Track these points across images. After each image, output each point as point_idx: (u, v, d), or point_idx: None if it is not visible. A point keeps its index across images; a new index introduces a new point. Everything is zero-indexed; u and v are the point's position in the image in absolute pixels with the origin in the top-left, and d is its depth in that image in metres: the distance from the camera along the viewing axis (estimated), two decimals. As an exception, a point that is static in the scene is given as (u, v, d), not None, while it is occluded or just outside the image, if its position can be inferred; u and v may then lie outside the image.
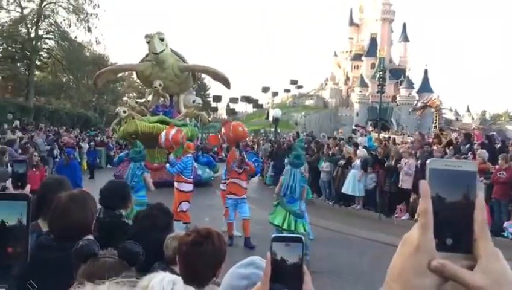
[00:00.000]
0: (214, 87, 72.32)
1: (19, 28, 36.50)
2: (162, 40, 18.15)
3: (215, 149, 23.08)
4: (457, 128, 22.48)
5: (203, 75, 30.76)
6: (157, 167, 16.09)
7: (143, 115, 18.77)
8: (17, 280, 1.99)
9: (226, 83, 20.01)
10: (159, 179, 13.95)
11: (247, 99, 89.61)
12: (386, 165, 13.14)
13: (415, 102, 29.20)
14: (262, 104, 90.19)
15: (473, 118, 65.90)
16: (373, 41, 72.39)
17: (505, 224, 10.34)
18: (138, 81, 29.31)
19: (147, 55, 19.40)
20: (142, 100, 23.64)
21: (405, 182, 12.25)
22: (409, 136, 25.78)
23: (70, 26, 37.09)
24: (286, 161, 11.34)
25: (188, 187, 9.68)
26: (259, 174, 18.10)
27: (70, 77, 40.63)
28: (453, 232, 0.64)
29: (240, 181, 9.64)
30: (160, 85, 18.82)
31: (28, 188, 2.42)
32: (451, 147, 13.56)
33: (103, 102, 52.83)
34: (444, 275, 0.62)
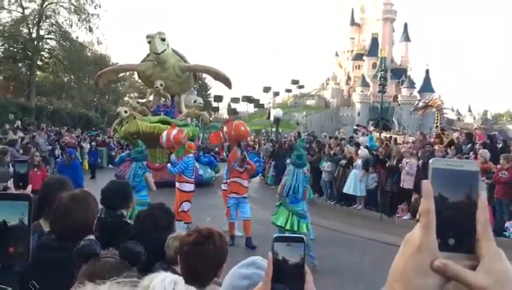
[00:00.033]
0: (215, 87, 72.24)
1: (21, 28, 36.57)
2: (163, 40, 18.16)
3: (217, 149, 23.08)
4: (458, 128, 22.44)
5: (204, 75, 30.78)
6: (158, 167, 16.10)
7: (144, 115, 18.79)
8: (19, 279, 2.00)
9: (227, 82, 20.01)
10: (161, 179, 13.96)
11: (248, 99, 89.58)
12: (387, 165, 13.14)
13: (417, 102, 29.10)
14: (263, 104, 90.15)
15: (474, 118, 65.81)
16: (374, 41, 72.34)
17: (507, 224, 10.33)
18: (139, 81, 29.33)
19: (148, 55, 19.42)
20: (144, 100, 23.69)
21: (406, 182, 12.24)
22: (410, 135, 25.75)
23: (71, 26, 37.20)
24: (288, 161, 11.34)
25: (190, 187, 9.68)
26: (260, 174, 18.10)
27: (72, 77, 40.71)
28: (456, 232, 0.63)
29: (242, 180, 9.64)
30: (161, 85, 18.83)
31: (29, 188, 2.42)
32: (452, 147, 13.54)
33: (104, 102, 52.90)
34: (447, 275, 0.61)
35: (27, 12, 36.46)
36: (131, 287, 1.18)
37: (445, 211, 0.64)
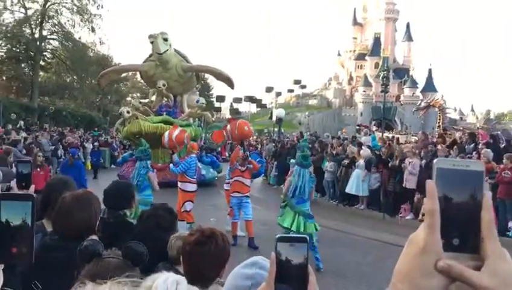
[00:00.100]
0: (218, 87, 72.34)
1: (23, 29, 36.67)
2: (165, 40, 18.17)
3: (219, 149, 23.09)
4: (461, 128, 22.41)
5: (207, 75, 30.78)
6: (161, 167, 16.11)
7: (147, 115, 18.80)
8: (22, 280, 2.00)
9: (229, 83, 20.01)
10: (163, 179, 13.96)
11: (250, 99, 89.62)
12: (390, 164, 13.11)
13: (419, 102, 29.12)
14: (265, 104, 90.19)
15: (477, 118, 65.68)
16: (377, 41, 72.32)
17: (510, 224, 10.31)
18: (142, 81, 29.44)
19: (150, 56, 19.43)
20: (146, 100, 23.67)
21: (409, 182, 12.22)
22: (413, 135, 25.71)
23: (74, 26, 37.31)
24: (293, 161, 11.31)
25: (192, 187, 9.67)
26: (263, 175, 18.12)
27: (74, 77, 40.85)
28: (460, 232, 0.63)
29: (244, 179, 9.64)
30: (164, 85, 18.85)
31: (32, 188, 2.42)
32: (455, 147, 13.51)
33: (107, 102, 53.02)
34: (451, 275, 0.61)
35: (30, 12, 36.59)
36: (133, 287, 1.18)
37: (449, 211, 0.63)
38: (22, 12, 36.55)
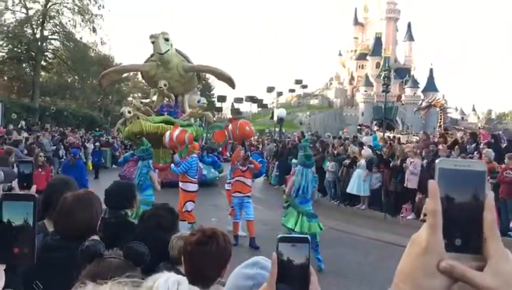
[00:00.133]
0: (219, 87, 72.51)
1: (24, 29, 36.68)
2: (166, 40, 18.17)
3: (220, 149, 23.08)
4: (462, 128, 22.39)
5: (208, 75, 30.81)
6: (162, 167, 16.12)
7: (148, 115, 18.80)
8: (23, 280, 2.00)
9: (230, 83, 20.00)
10: (164, 179, 13.98)
11: (251, 99, 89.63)
12: (391, 164, 13.10)
13: (420, 101, 29.11)
14: (267, 104, 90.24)
15: (478, 117, 65.65)
16: (378, 41, 72.33)
17: (512, 224, 10.29)
18: (143, 81, 29.45)
19: (151, 56, 19.43)
20: (147, 100, 23.68)
21: (410, 182, 12.21)
22: (414, 135, 25.70)
23: (75, 26, 37.29)
24: (295, 161, 11.29)
25: (193, 187, 9.68)
26: (264, 175, 18.12)
27: (76, 77, 40.85)
28: (462, 232, 0.63)
29: (245, 179, 9.64)
30: (165, 85, 18.84)
31: (33, 188, 2.43)
32: (456, 147, 13.50)
33: (108, 102, 53.05)
34: (453, 276, 0.61)
35: (31, 13, 36.59)
36: (133, 287, 1.18)
37: (451, 211, 0.63)
38: (23, 13, 36.59)
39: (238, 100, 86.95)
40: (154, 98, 21.55)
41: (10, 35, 36.16)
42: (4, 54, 38.00)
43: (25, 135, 20.28)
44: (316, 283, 0.79)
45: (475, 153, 12.25)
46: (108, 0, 67.56)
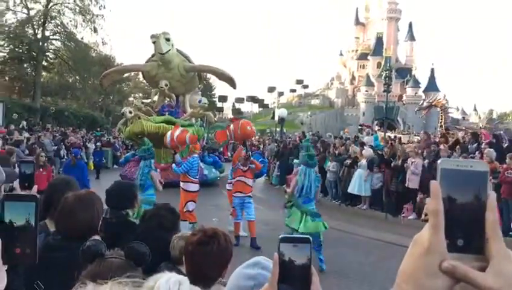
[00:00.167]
0: (220, 87, 72.45)
1: (26, 29, 36.72)
2: (168, 40, 18.16)
3: (221, 149, 23.09)
4: (463, 128, 22.38)
5: (209, 75, 30.81)
6: (163, 167, 16.13)
7: (149, 115, 18.81)
8: (25, 279, 2.01)
9: (231, 83, 19.99)
10: (166, 179, 13.98)
11: (252, 99, 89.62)
12: (392, 164, 13.10)
13: (421, 101, 29.10)
14: (268, 104, 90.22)
15: (479, 117, 65.61)
16: (379, 41, 72.28)
17: (513, 224, 10.27)
18: (144, 81, 29.42)
19: (152, 56, 19.43)
20: (148, 100, 23.69)
21: (412, 182, 12.20)
22: (415, 135, 25.69)
23: (76, 27, 37.31)
24: (296, 161, 11.28)
25: (194, 187, 9.68)
26: (265, 175, 18.12)
27: (77, 77, 40.87)
28: (464, 233, 0.63)
29: (246, 179, 9.64)
30: (166, 85, 18.83)
31: (35, 188, 2.43)
32: (458, 147, 13.49)
33: (109, 102, 53.06)
34: (456, 276, 0.61)
35: (32, 13, 36.63)
36: (134, 287, 1.18)
37: (453, 212, 0.63)
38: (24, 13, 36.62)
39: (239, 100, 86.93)
40: (155, 98, 21.54)
41: (11, 35, 36.20)
42: (5, 54, 38.04)
43: (26, 135, 20.30)
44: (318, 283, 0.79)
45: (476, 153, 12.23)
46: (109, 1, 67.69)
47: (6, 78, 41.28)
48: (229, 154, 26.41)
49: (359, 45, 79.28)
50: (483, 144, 13.00)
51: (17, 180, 2.51)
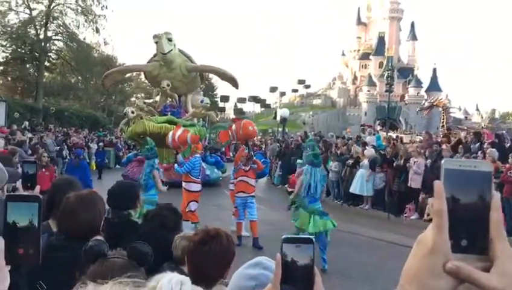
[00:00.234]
0: (222, 87, 72.19)
1: (28, 30, 36.81)
2: (170, 40, 18.18)
3: (223, 149, 23.10)
4: (465, 128, 22.33)
5: (211, 75, 30.81)
6: (165, 167, 16.15)
7: (151, 115, 18.83)
8: (27, 280, 2.01)
9: (233, 83, 20.00)
10: (168, 179, 14.00)
11: (254, 99, 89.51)
12: (394, 164, 13.08)
13: (423, 101, 29.08)
14: (270, 104, 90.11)
15: (482, 117, 65.38)
16: (381, 40, 72.11)
17: (516, 224, 10.24)
18: (146, 81, 29.42)
19: (154, 56, 19.44)
20: (150, 100, 23.72)
21: (414, 181, 12.18)
22: (417, 135, 25.64)
23: (78, 27, 37.41)
24: (300, 161, 11.25)
25: (196, 187, 9.69)
26: (267, 175, 18.13)
27: (79, 77, 40.95)
28: (468, 233, 0.63)
29: (248, 179, 9.63)
30: (168, 85, 18.84)
31: (37, 188, 2.43)
32: (460, 146, 13.46)
33: (111, 102, 53.12)
34: (460, 277, 0.61)
35: (34, 13, 36.72)
36: (134, 287, 1.18)
37: (457, 212, 0.63)
38: (26, 13, 36.70)
39: (241, 100, 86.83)
40: (157, 98, 21.57)
41: (14, 36, 36.28)
42: (8, 54, 38.14)
43: (29, 135, 20.35)
44: (320, 283, 0.79)
45: (479, 152, 12.21)
46: (111, 1, 67.78)
47: (9, 79, 41.40)
48: (231, 154, 26.44)
49: (361, 44, 79.12)
50: (486, 143, 12.98)
51: (20, 180, 2.51)
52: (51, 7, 36.52)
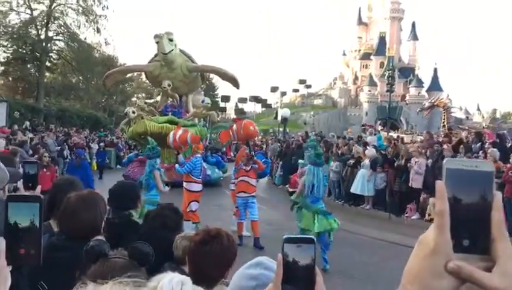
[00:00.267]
0: (223, 87, 72.14)
1: (29, 30, 36.84)
2: (171, 40, 18.18)
3: (224, 149, 23.11)
4: (466, 127, 22.30)
5: (212, 75, 30.83)
6: (166, 167, 16.15)
7: (152, 115, 18.84)
8: (29, 280, 2.01)
9: (234, 82, 20.00)
10: (169, 179, 14.00)
11: (255, 99, 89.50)
12: (395, 164, 13.07)
13: (424, 102, 29.07)
14: (271, 104, 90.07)
15: (483, 117, 65.29)
16: (382, 40, 72.09)
17: (517, 223, 10.23)
18: (147, 81, 29.45)
19: (155, 56, 19.45)
20: (151, 100, 23.72)
21: (415, 181, 12.18)
22: (418, 135, 25.62)
23: (79, 27, 37.44)
24: (301, 161, 11.23)
25: (197, 187, 9.69)
26: (268, 175, 18.12)
27: (80, 78, 41.01)
28: (470, 233, 0.62)
29: (249, 179, 9.63)
30: (169, 85, 18.85)
31: (38, 188, 2.43)
32: (461, 146, 13.45)
33: (112, 103, 53.16)
34: (461, 277, 0.61)
35: (35, 13, 36.75)
36: (135, 287, 1.18)
37: (459, 212, 0.63)
38: (27, 14, 36.73)
39: (242, 100, 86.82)
40: (158, 98, 21.58)
41: (15, 36, 36.31)
42: (9, 54, 38.19)
43: (30, 135, 20.37)
44: (322, 283, 0.79)
45: (480, 152, 12.20)
46: (112, 1, 67.81)
47: (10, 79, 41.44)
48: (232, 154, 26.43)
49: (362, 44, 79.10)
50: (487, 143, 12.97)
51: (21, 180, 2.51)
52: (52, 7, 36.54)
